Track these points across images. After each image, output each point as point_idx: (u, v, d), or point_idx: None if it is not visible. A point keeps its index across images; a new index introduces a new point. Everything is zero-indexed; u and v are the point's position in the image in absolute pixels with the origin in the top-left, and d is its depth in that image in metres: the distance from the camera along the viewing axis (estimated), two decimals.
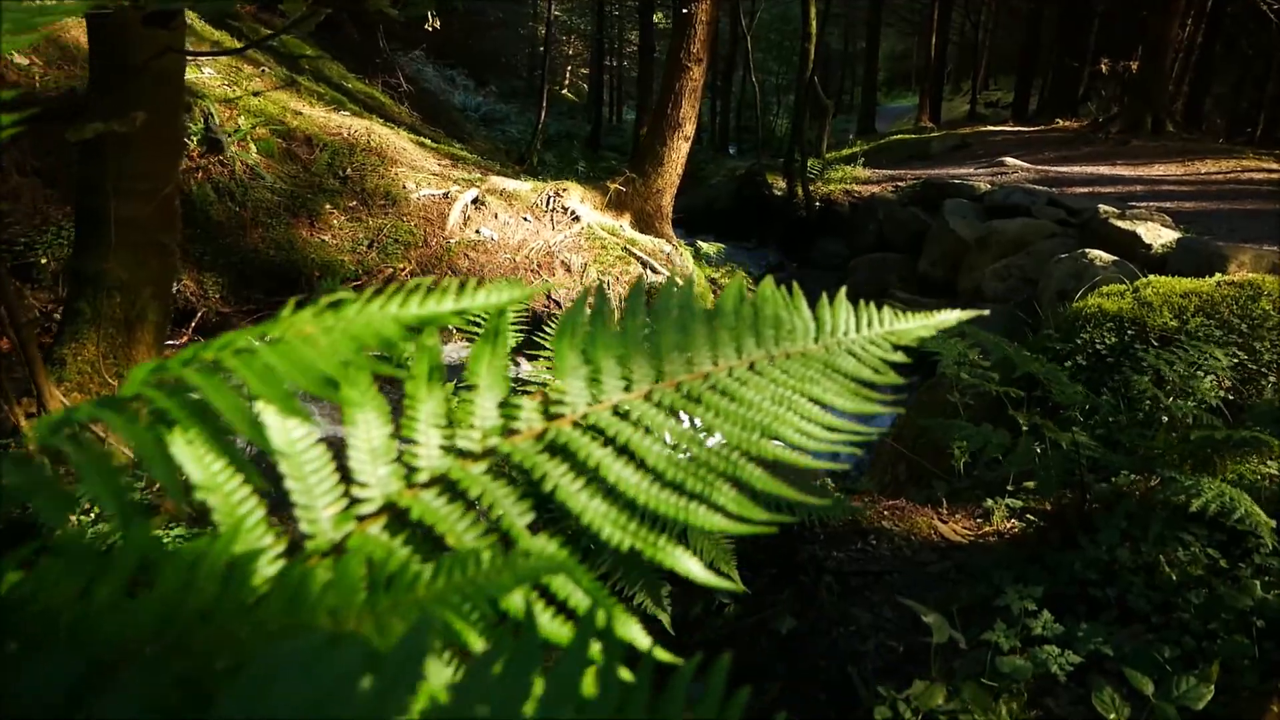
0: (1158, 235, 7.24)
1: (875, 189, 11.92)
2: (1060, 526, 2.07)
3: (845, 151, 18.67)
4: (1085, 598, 1.77)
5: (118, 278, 2.84)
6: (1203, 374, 2.19)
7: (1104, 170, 11.81)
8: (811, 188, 11.88)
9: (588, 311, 0.67)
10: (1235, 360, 3.07)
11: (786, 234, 12.40)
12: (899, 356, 0.75)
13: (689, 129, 6.64)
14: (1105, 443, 2.45)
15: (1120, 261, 6.90)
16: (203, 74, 6.29)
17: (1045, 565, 1.97)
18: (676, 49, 6.47)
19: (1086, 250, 7.14)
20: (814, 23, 11.52)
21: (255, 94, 6.27)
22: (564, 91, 41.91)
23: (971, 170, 12.57)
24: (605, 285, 5.94)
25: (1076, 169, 11.99)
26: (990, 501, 2.48)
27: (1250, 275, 3.59)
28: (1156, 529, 1.75)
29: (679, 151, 6.66)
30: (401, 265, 5.53)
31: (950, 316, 0.80)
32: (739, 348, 0.68)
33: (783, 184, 12.72)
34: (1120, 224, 7.40)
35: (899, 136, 19.22)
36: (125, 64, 2.78)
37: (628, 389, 0.63)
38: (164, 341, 3.05)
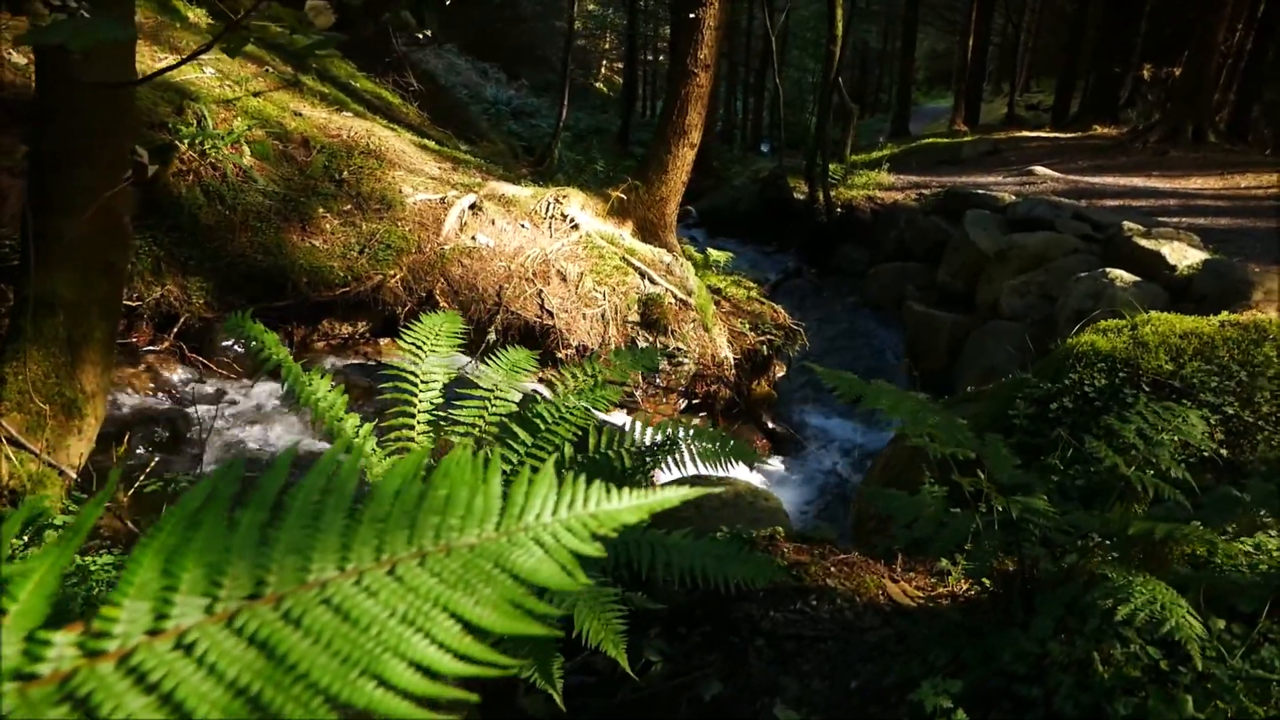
0: (1183, 256, 6.98)
1: (899, 195, 11.69)
2: (1004, 603, 1.92)
3: (875, 154, 18.38)
4: (1011, 694, 1.62)
5: (62, 296, 2.77)
6: (1167, 438, 2.02)
7: (1138, 182, 11.48)
8: (833, 193, 11.67)
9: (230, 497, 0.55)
10: (1229, 412, 2.89)
11: (807, 239, 12.20)
12: (594, 549, 0.62)
13: (695, 136, 6.49)
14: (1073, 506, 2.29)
15: (1142, 283, 6.67)
16: (204, 74, 6.24)
17: (984, 646, 1.82)
18: (683, 54, 6.33)
19: (1107, 270, 6.91)
20: (839, 24, 11.30)
21: (256, 94, 6.22)
22: (598, 85, 41.89)
23: (1000, 178, 12.28)
24: (601, 293, 5.82)
25: (1109, 180, 11.66)
26: (945, 561, 2.33)
27: (1258, 316, 3.39)
28: (1095, 621, 1.60)
29: (684, 159, 6.52)
30: (392, 272, 5.44)
31: (674, 494, 0.66)
32: (381, 545, 0.55)
33: (805, 188, 12.52)
34: (1144, 243, 7.14)
35: (930, 140, 18.89)
36: (69, 80, 2.69)
37: (210, 608, 0.51)
38: (111, 360, 2.97)
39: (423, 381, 2.32)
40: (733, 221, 14.39)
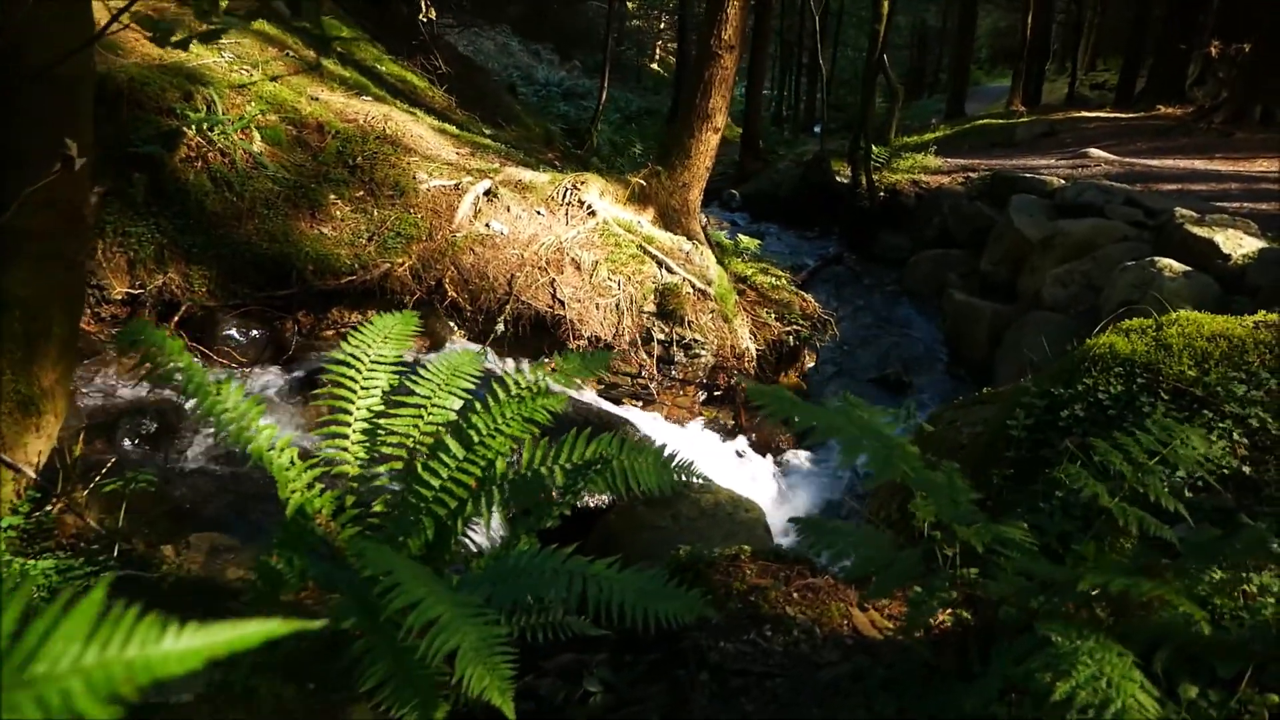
0: (1238, 244, 6.59)
1: (944, 180, 11.30)
2: (960, 650, 1.73)
3: (926, 136, 17.88)
4: None
5: (17, 293, 2.70)
6: (1165, 467, 1.80)
7: (1198, 165, 10.94)
8: (876, 177, 11.33)
9: None
10: (1254, 425, 2.63)
11: (849, 224, 11.88)
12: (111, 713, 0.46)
13: (719, 120, 6.28)
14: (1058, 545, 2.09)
15: (1193, 273, 6.33)
16: (221, 58, 6.20)
17: (933, 699, 1.64)
18: (707, 36, 6.11)
19: (1156, 259, 6.56)
20: (885, 3, 10.93)
21: (273, 79, 6.15)
22: (653, 66, 41.57)
23: (1052, 161, 11.81)
24: (616, 285, 5.66)
25: (1169, 163, 11.13)
26: (918, 590, 2.14)
27: None
28: (1028, 707, 1.41)
29: (708, 144, 6.31)
30: (400, 260, 5.34)
31: (256, 630, 0.50)
32: None
33: (848, 171, 12.18)
34: (1197, 230, 6.76)
35: (985, 121, 18.31)
36: (21, 75, 2.61)
37: None
38: (72, 356, 2.90)
39: (362, 387, 2.19)
40: (775, 205, 14.09)
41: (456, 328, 5.53)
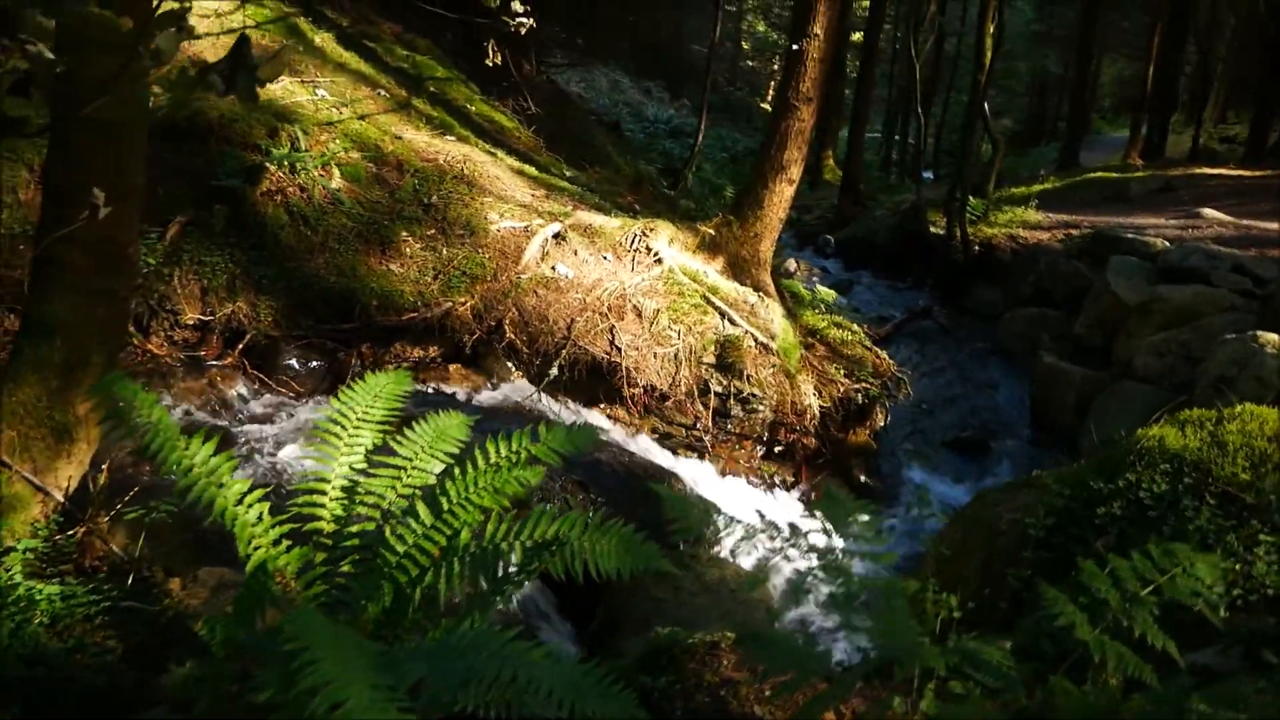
0: None
1: (1044, 235, 10.91)
2: None
3: (1035, 187, 17.30)
4: None
5: (60, 321, 2.83)
6: (1155, 599, 1.65)
7: None
8: (972, 230, 11.01)
9: None
10: None
11: (941, 277, 11.57)
12: None
13: (794, 172, 6.20)
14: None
15: None
16: (316, 95, 6.45)
17: None
18: (784, 87, 6.06)
19: (1259, 333, 6.15)
20: (988, 53, 10.68)
21: (361, 117, 6.37)
22: (764, 105, 41.57)
23: (1162, 221, 11.26)
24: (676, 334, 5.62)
25: None
26: (898, 701, 2.01)
27: None
28: None
29: (782, 195, 6.24)
30: (463, 299, 5.42)
31: None
32: None
33: (944, 222, 11.89)
34: None
35: (1098, 174, 17.62)
36: (77, 114, 2.74)
37: None
38: None
39: (346, 444, 2.20)
40: (869, 253, 13.86)
41: (514, 368, 5.57)
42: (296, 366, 4.92)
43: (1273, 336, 6.09)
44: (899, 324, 10.14)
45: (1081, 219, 11.80)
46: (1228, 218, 10.99)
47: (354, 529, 2.07)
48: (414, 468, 2.17)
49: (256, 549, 1.89)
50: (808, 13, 5.90)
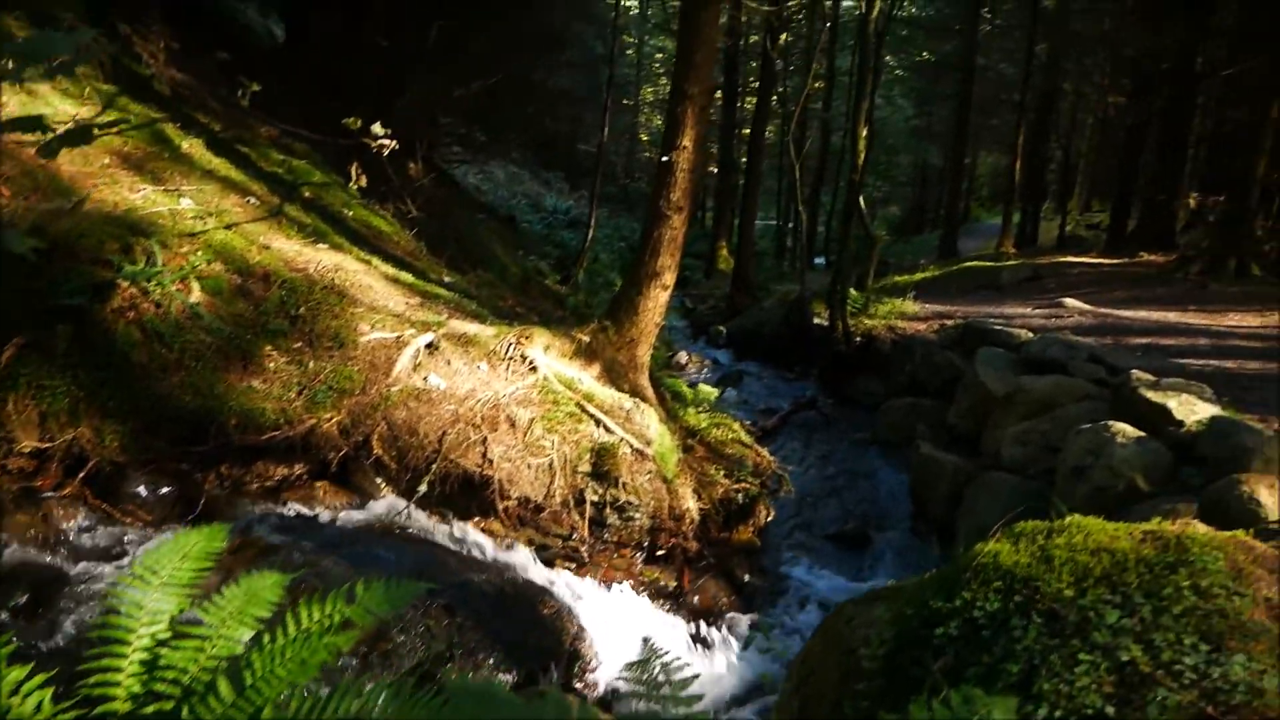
0: (1191, 410, 6.48)
1: (920, 326, 11.34)
2: None
3: (916, 276, 18.09)
4: None
5: None
6: None
7: (1172, 317, 10.95)
8: (853, 321, 11.37)
9: None
10: (1123, 658, 2.48)
11: (827, 368, 11.87)
12: None
13: (668, 278, 6.32)
14: None
15: (1145, 439, 6.20)
16: (179, 204, 6.31)
17: None
18: (656, 197, 6.21)
19: (1110, 423, 6.44)
20: (861, 154, 11.18)
21: (228, 226, 6.25)
22: None
23: (1029, 310, 11.86)
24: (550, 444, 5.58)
25: (1142, 314, 11.15)
26: None
27: (1187, 528, 2.97)
28: None
29: (656, 300, 6.34)
30: (329, 415, 5.29)
31: None
32: None
33: (828, 314, 12.27)
34: (1151, 395, 6.66)
35: (973, 264, 18.54)
36: None
37: None
38: None
39: (149, 612, 2.08)
40: (759, 343, 14.18)
41: (384, 484, 5.44)
42: (145, 494, 4.68)
43: (1123, 426, 6.39)
44: (785, 416, 10.32)
45: (955, 309, 12.32)
46: (1087, 306, 11.63)
47: (151, 709, 1.95)
48: (220, 636, 2.06)
49: None
50: (677, 127, 6.10)
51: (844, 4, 28.33)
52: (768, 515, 7.25)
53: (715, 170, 29.66)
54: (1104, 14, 22.98)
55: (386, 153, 3.90)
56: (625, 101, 43.11)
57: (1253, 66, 14.29)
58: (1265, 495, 4.52)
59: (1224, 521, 4.49)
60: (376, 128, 4.06)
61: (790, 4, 15.02)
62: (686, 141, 6.07)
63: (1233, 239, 13.50)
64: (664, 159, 6.14)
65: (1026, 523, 3.24)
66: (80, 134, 1.64)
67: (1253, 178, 13.32)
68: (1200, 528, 3.00)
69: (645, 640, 1.98)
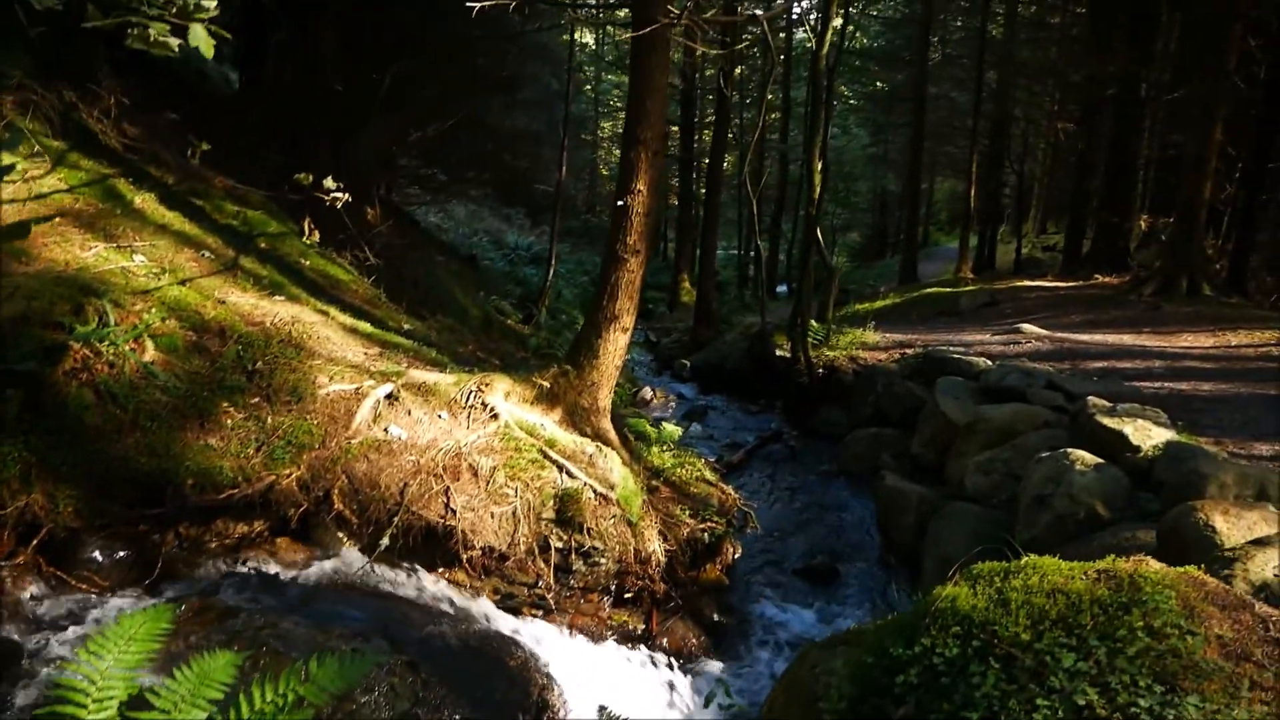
0: (1147, 436, 6.61)
1: (881, 355, 11.46)
2: None
3: (877, 303, 18.31)
4: None
5: None
6: None
7: (1127, 339, 11.16)
8: (815, 354, 11.46)
9: None
10: (1080, 702, 2.50)
11: (791, 400, 11.95)
12: None
13: (627, 321, 6.34)
14: None
15: (1104, 466, 6.30)
16: (133, 261, 6.26)
17: None
18: (612, 241, 6.26)
19: (1069, 451, 6.54)
20: (817, 188, 11.33)
21: (183, 282, 6.20)
22: None
23: (987, 337, 12.03)
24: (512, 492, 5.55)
25: (1098, 338, 11.36)
26: None
27: (1138, 569, 3.01)
28: None
29: (616, 343, 6.36)
30: (288, 471, 5.23)
31: None
32: None
33: (790, 345, 12.36)
34: (1107, 421, 6.79)
35: (933, 290, 18.80)
36: None
37: None
38: None
39: (95, 700, 2.03)
40: (723, 377, 14.23)
41: (345, 538, 5.38)
42: (100, 559, 4.59)
43: (1082, 453, 6.49)
44: (751, 450, 10.35)
45: (916, 337, 12.47)
46: (1044, 331, 11.82)
47: None
48: (177, 717, 2.02)
49: None
50: (631, 172, 6.15)
51: (796, 37, 28.83)
52: (735, 552, 7.26)
53: (676, 201, 29.89)
54: (1050, 43, 23.59)
55: (340, 205, 3.89)
56: (584, 136, 43.42)
57: (1195, 91, 14.71)
58: (1220, 522, 4.60)
59: (1181, 549, 4.58)
60: (328, 182, 4.06)
61: (745, 41, 15.25)
62: (641, 186, 6.12)
63: (1183, 259, 13.82)
64: (619, 203, 6.19)
65: (984, 564, 3.28)
66: (16, 230, 1.63)
67: (1199, 200, 13.67)
68: (1153, 565, 3.05)
69: (601, 710, 1.97)
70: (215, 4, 3.00)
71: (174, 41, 3.00)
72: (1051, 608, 2.83)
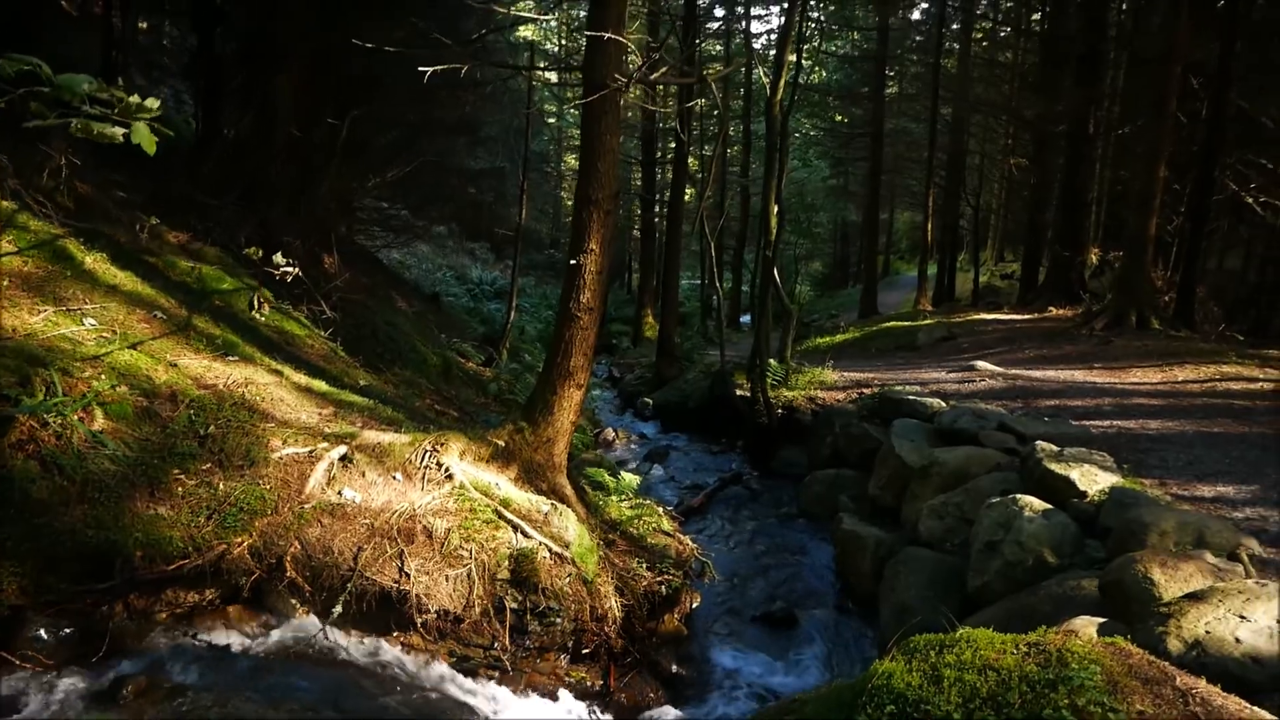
0: (1093, 481, 6.76)
1: (839, 395, 11.60)
2: None
3: (838, 338, 18.51)
4: None
5: None
6: None
7: (1078, 376, 11.39)
8: (774, 394, 11.58)
9: None
10: None
11: (751, 440, 12.04)
12: None
13: (581, 377, 6.40)
14: None
15: (1051, 512, 6.43)
16: (83, 325, 6.22)
17: None
18: (566, 299, 6.32)
19: (1018, 497, 6.67)
20: (774, 230, 11.50)
21: (133, 346, 6.18)
22: None
23: (943, 374, 12.22)
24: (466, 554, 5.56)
25: (1050, 374, 11.58)
26: None
27: (1066, 643, 3.10)
28: None
29: (571, 399, 6.41)
30: (239, 539, 5.21)
31: None
32: None
33: (750, 385, 12.47)
34: (1055, 467, 6.93)
35: (891, 324, 19.07)
36: None
37: None
38: None
39: None
40: (685, 416, 14.30)
41: (298, 605, 5.35)
42: (46, 636, 4.54)
43: (1030, 499, 6.61)
44: (711, 493, 10.41)
45: (873, 376, 12.64)
46: (998, 369, 12.03)
47: None
48: None
49: None
50: (583, 231, 6.23)
51: (755, 73, 29.27)
52: (693, 602, 7.30)
53: (638, 234, 30.10)
54: (1003, 80, 24.14)
55: (289, 279, 3.93)
56: (548, 170, 43.63)
57: (1140, 129, 15.14)
58: (1158, 574, 4.71)
59: (1123, 601, 4.70)
60: (278, 258, 4.09)
61: (699, 99, 15.47)
62: (594, 245, 6.21)
63: (1133, 294, 14.15)
64: (572, 262, 6.26)
65: (921, 637, 3.35)
66: None
67: (1146, 236, 14.03)
68: (1081, 637, 3.14)
69: None
70: (158, 104, 3.05)
71: (119, 131, 3.05)
72: (983, 685, 2.90)
